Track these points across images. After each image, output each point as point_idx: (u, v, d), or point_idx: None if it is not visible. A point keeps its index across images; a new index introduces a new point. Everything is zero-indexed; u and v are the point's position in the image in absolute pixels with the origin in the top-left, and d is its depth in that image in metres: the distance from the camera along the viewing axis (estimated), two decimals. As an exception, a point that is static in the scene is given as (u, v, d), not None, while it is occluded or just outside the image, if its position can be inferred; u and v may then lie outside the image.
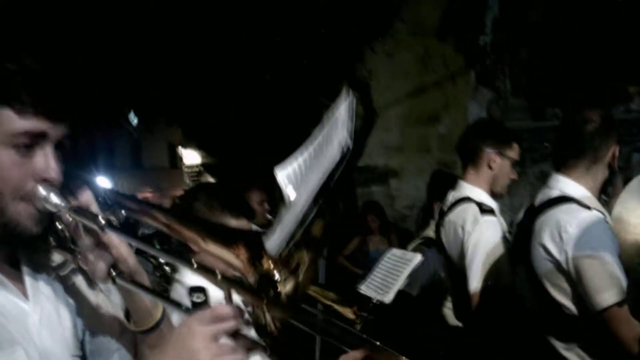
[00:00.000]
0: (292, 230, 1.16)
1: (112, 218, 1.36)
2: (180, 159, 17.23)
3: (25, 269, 1.48)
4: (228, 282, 1.28)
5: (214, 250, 1.34)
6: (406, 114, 9.35)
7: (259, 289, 1.22)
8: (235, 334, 1.25)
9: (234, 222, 2.60)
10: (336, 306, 2.60)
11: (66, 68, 1.62)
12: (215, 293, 1.31)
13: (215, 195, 2.62)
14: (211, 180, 16.19)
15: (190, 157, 17.15)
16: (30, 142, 1.33)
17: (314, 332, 2.15)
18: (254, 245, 1.21)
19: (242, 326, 1.26)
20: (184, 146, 16.78)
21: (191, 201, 2.62)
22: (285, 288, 1.20)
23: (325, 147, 1.22)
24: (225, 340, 1.23)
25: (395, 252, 3.77)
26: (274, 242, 1.17)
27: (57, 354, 1.44)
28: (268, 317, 1.32)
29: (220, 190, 2.80)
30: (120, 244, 1.39)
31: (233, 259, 1.25)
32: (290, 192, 1.30)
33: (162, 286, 2.38)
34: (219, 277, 1.27)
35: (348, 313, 2.57)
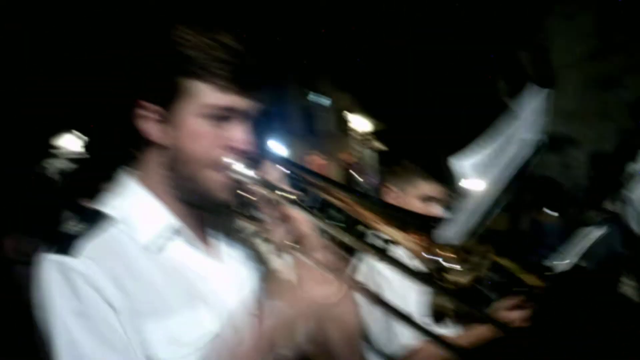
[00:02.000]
0: (476, 222, 1.13)
1: (297, 192, 1.41)
2: (349, 124, 17.41)
3: (212, 232, 1.59)
4: (401, 267, 1.27)
5: (390, 233, 1.34)
6: (585, 78, 8.77)
7: (433, 276, 1.20)
8: None
9: (427, 187, 2.64)
10: (520, 274, 2.56)
11: (260, 45, 1.70)
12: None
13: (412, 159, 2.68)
14: (380, 146, 16.26)
15: (359, 122, 17.28)
16: (225, 115, 1.42)
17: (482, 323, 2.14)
18: (432, 232, 1.19)
19: None
20: (353, 112, 16.93)
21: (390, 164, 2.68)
22: (461, 278, 1.17)
23: (513, 141, 1.17)
24: None
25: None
26: (454, 231, 1.15)
27: (240, 313, 1.52)
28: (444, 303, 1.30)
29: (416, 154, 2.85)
30: (302, 218, 1.44)
31: (410, 243, 1.24)
32: (473, 184, 1.27)
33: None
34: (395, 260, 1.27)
35: (533, 280, 2.54)
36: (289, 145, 14.17)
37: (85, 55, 11.45)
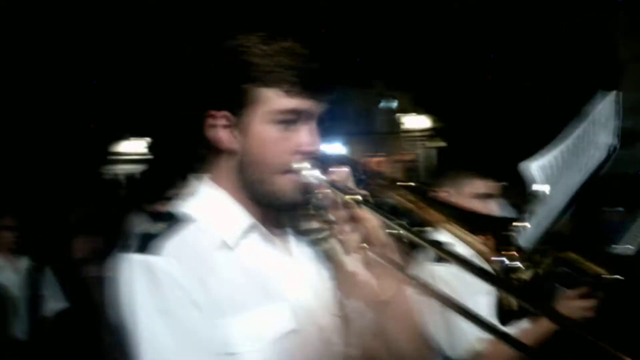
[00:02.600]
0: (547, 226, 1.13)
1: (366, 193, 1.44)
2: (409, 123, 17.30)
3: (288, 232, 1.63)
4: (470, 267, 1.28)
5: (457, 233, 1.35)
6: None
7: (502, 278, 1.20)
8: None
9: (481, 184, 2.61)
10: (584, 264, 2.52)
11: (325, 48, 1.74)
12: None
13: (463, 157, 2.66)
14: (439, 144, 16.10)
15: (419, 121, 17.16)
16: (294, 119, 1.46)
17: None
18: (502, 234, 1.20)
19: None
20: (412, 111, 16.83)
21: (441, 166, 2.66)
22: (525, 275, 1.18)
23: (585, 145, 1.17)
24: None
25: None
26: (527, 234, 1.15)
27: (318, 311, 1.57)
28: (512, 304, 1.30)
29: (467, 152, 2.83)
30: (372, 219, 1.46)
31: (478, 244, 1.25)
32: (543, 187, 1.26)
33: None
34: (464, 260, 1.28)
35: (597, 269, 2.49)
36: (347, 146, 14.17)
37: (155, 65, 11.71)
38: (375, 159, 16.29)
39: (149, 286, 1.37)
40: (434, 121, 16.67)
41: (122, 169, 17.45)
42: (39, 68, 11.46)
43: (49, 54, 10.99)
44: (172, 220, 1.50)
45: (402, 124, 17.31)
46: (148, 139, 17.50)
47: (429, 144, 17.07)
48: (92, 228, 8.27)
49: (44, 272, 5.01)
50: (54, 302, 5.06)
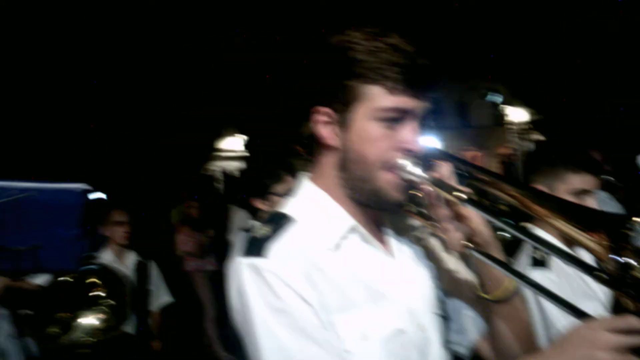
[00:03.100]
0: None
1: (469, 191, 1.39)
2: (506, 116, 16.89)
3: (388, 231, 1.61)
4: (584, 267, 1.22)
5: (565, 229, 1.29)
6: None
7: (618, 279, 1.14)
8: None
9: (578, 180, 2.51)
10: None
11: (428, 45, 1.71)
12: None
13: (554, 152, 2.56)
14: (539, 137, 15.60)
15: (517, 114, 16.73)
16: (397, 117, 1.44)
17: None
18: (617, 231, 1.13)
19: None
20: (510, 103, 16.41)
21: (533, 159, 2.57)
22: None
23: None
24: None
25: None
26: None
27: (420, 310, 1.54)
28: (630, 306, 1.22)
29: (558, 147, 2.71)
30: (475, 216, 1.43)
31: (591, 243, 1.19)
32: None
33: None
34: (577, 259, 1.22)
35: None
36: (444, 141, 13.99)
37: (259, 63, 11.95)
38: (470, 154, 16.02)
39: (261, 287, 1.38)
40: (532, 114, 16.20)
41: (222, 166, 17.94)
42: (140, 70, 11.93)
43: (155, 56, 11.40)
44: (278, 222, 1.51)
45: (500, 117, 16.91)
46: (246, 136, 17.90)
47: (527, 137, 16.60)
48: (196, 224, 8.56)
49: (150, 267, 5.19)
50: (159, 297, 5.22)
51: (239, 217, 8.61)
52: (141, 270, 5.08)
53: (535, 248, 1.94)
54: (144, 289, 4.96)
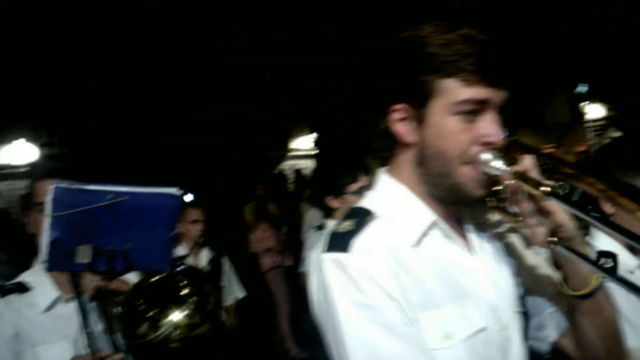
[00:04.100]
0: None
1: (555, 184, 1.35)
2: (583, 113, 16.37)
3: (468, 226, 1.60)
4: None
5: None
6: None
7: None
8: None
9: None
10: None
11: (511, 35, 1.69)
12: (626, 260, 1.21)
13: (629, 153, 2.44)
14: (617, 134, 15.07)
15: (594, 111, 16.22)
16: (474, 109, 1.42)
17: None
18: None
19: None
20: (588, 100, 15.91)
21: (604, 159, 2.46)
22: None
23: None
24: None
25: None
26: None
27: (502, 308, 1.53)
28: None
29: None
30: (560, 211, 1.39)
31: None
32: None
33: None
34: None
35: None
36: (520, 136, 13.67)
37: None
38: (547, 150, 15.61)
39: (345, 283, 1.39)
40: (610, 110, 15.65)
41: (294, 164, 18.08)
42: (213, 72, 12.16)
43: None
44: (360, 217, 1.51)
45: (577, 113, 16.41)
46: (317, 135, 17.97)
47: (604, 134, 16.05)
48: (271, 221, 8.69)
49: (224, 263, 5.29)
50: (233, 292, 5.32)
51: (311, 215, 8.68)
52: (215, 265, 5.19)
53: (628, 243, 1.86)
54: (217, 285, 5.06)
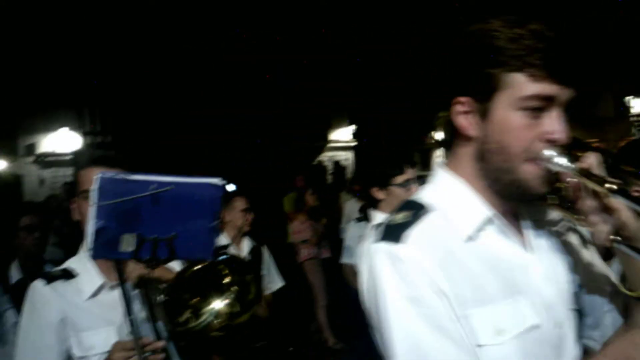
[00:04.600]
0: None
1: (620, 182, 1.33)
2: (628, 108, 16.05)
3: (525, 223, 1.58)
4: None
5: None
6: None
7: None
8: None
9: None
10: None
11: (572, 32, 1.67)
12: None
13: None
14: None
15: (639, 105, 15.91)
16: (539, 105, 1.40)
17: None
18: None
19: None
20: (634, 95, 15.59)
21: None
22: None
23: None
24: None
25: None
26: None
27: (557, 306, 1.51)
28: None
29: None
30: (624, 208, 1.36)
31: None
32: None
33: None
34: None
35: None
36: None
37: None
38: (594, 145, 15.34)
39: (396, 274, 1.38)
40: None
41: (333, 155, 18.11)
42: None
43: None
44: (415, 210, 1.51)
45: (622, 108, 16.08)
46: (355, 126, 17.96)
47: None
48: (310, 212, 8.71)
49: (263, 252, 5.34)
50: (271, 282, 5.36)
51: (350, 207, 8.68)
52: (256, 255, 5.23)
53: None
54: (259, 274, 5.09)
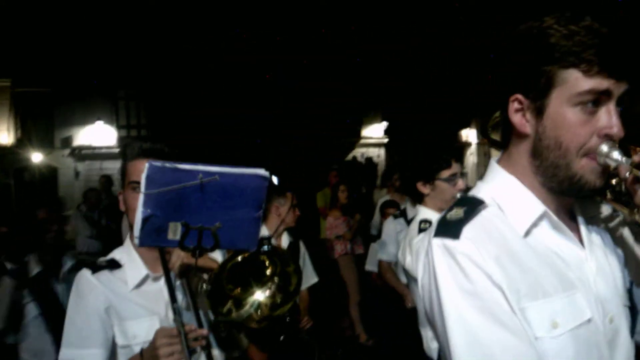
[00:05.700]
0: None
1: None
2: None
3: (580, 219, 1.58)
4: None
5: None
6: None
7: None
8: None
9: None
10: None
11: (626, 26, 1.66)
12: None
13: None
14: None
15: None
16: (594, 100, 1.40)
17: None
18: None
19: None
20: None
21: None
22: None
23: None
24: None
25: None
26: None
27: (610, 301, 1.52)
28: None
29: None
30: None
31: None
32: None
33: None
34: None
35: None
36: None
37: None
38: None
39: (451, 269, 1.41)
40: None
41: (365, 152, 18.10)
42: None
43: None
44: (471, 205, 1.52)
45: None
46: (387, 123, 17.92)
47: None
48: (344, 208, 8.73)
49: (300, 248, 5.36)
50: (307, 277, 5.38)
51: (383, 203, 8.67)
52: (294, 250, 5.26)
53: None
54: (299, 266, 5.11)
